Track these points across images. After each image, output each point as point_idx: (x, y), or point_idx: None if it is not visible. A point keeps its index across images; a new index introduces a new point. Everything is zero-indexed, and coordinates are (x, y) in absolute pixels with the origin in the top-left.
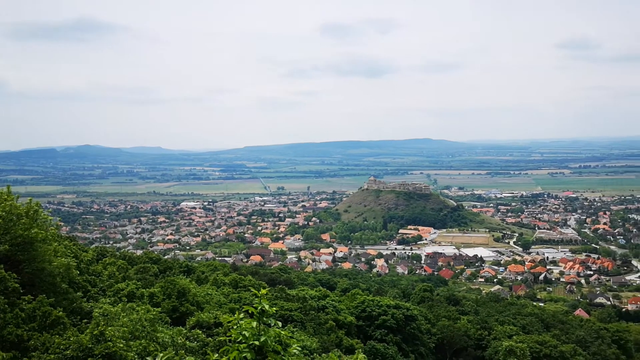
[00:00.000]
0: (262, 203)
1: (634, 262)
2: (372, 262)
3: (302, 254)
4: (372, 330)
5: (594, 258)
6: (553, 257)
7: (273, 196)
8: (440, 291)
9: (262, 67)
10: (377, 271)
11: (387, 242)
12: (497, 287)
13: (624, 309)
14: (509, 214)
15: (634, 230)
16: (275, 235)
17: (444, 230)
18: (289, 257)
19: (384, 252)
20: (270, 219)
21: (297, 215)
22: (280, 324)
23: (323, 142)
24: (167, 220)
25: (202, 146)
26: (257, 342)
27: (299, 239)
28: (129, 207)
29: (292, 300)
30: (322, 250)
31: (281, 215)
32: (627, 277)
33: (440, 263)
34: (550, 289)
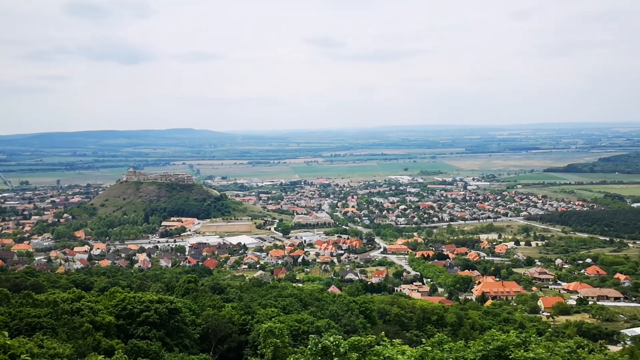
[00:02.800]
0: (2, 200)
1: (377, 240)
2: (134, 257)
3: (53, 254)
4: (134, 328)
5: (345, 238)
6: (310, 240)
7: (15, 192)
8: (205, 281)
9: None
10: (140, 266)
11: (150, 235)
12: (260, 272)
13: (369, 282)
14: (270, 202)
15: (376, 211)
16: (19, 236)
17: (208, 220)
18: (37, 258)
19: (147, 246)
20: (13, 218)
21: (45, 212)
22: (7, 334)
23: (75, 131)
24: None
25: None
26: None
27: (48, 237)
28: None
29: (41, 305)
30: (76, 249)
31: (26, 212)
32: (372, 254)
33: (204, 253)
34: (308, 270)
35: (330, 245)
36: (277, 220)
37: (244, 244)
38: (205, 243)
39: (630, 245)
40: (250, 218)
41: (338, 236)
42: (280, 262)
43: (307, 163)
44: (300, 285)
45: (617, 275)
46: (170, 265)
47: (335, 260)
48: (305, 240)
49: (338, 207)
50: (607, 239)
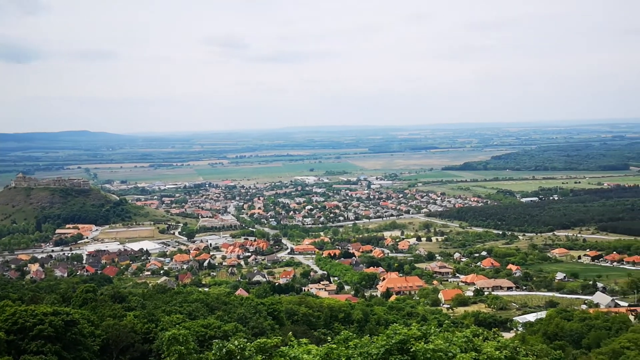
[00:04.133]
0: None
1: (284, 241)
2: (25, 268)
3: None
4: (26, 343)
5: (251, 240)
6: (216, 243)
7: None
8: (105, 290)
9: None
10: (32, 277)
11: (43, 244)
12: (164, 278)
13: (277, 283)
14: (174, 205)
15: (283, 212)
16: None
17: (107, 226)
18: None
19: (39, 256)
20: None
21: None
22: None
23: None
24: None
25: None
26: None
27: None
28: None
29: None
30: None
31: None
32: (279, 255)
33: (104, 261)
34: (215, 274)
35: (236, 248)
36: (182, 224)
37: (147, 250)
38: (105, 250)
39: (521, 237)
40: (152, 223)
41: (245, 238)
42: (185, 266)
43: (212, 165)
44: (207, 289)
45: (510, 266)
46: (66, 275)
47: (242, 262)
48: (211, 244)
49: (244, 209)
50: (500, 232)
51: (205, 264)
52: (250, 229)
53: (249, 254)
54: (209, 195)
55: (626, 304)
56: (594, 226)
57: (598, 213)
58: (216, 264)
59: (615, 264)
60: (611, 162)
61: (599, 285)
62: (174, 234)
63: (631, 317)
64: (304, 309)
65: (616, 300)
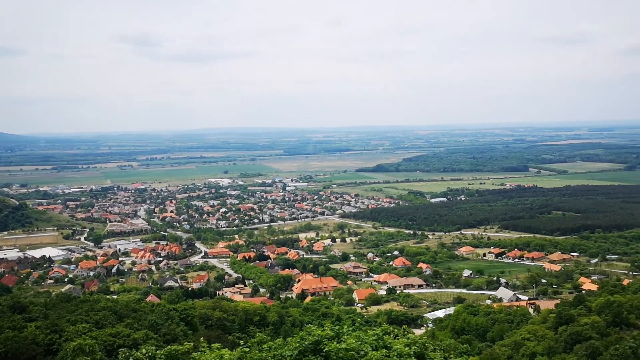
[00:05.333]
0: None
1: (198, 245)
2: None
3: None
4: None
5: (163, 245)
6: (125, 249)
7: None
8: (3, 300)
9: None
10: None
11: None
12: (69, 286)
13: (190, 288)
14: (79, 210)
15: (196, 215)
16: None
17: (6, 232)
18: None
19: None
20: None
21: None
22: None
23: None
24: None
25: None
26: None
27: None
28: None
29: None
30: None
31: None
32: (192, 259)
33: (2, 269)
34: (124, 280)
35: (147, 253)
36: (88, 229)
37: (49, 257)
38: (3, 258)
39: (430, 236)
40: (56, 228)
41: (156, 243)
42: (92, 273)
43: (121, 167)
44: (115, 296)
45: (420, 264)
46: None
47: (153, 268)
48: (120, 249)
49: (156, 213)
50: (411, 232)
51: (114, 270)
52: (162, 233)
53: (161, 258)
54: (117, 198)
55: (526, 298)
56: (498, 225)
57: (501, 212)
58: (126, 270)
59: (516, 260)
60: (512, 163)
61: (502, 281)
62: (79, 239)
63: (531, 310)
64: (218, 313)
65: (517, 295)
